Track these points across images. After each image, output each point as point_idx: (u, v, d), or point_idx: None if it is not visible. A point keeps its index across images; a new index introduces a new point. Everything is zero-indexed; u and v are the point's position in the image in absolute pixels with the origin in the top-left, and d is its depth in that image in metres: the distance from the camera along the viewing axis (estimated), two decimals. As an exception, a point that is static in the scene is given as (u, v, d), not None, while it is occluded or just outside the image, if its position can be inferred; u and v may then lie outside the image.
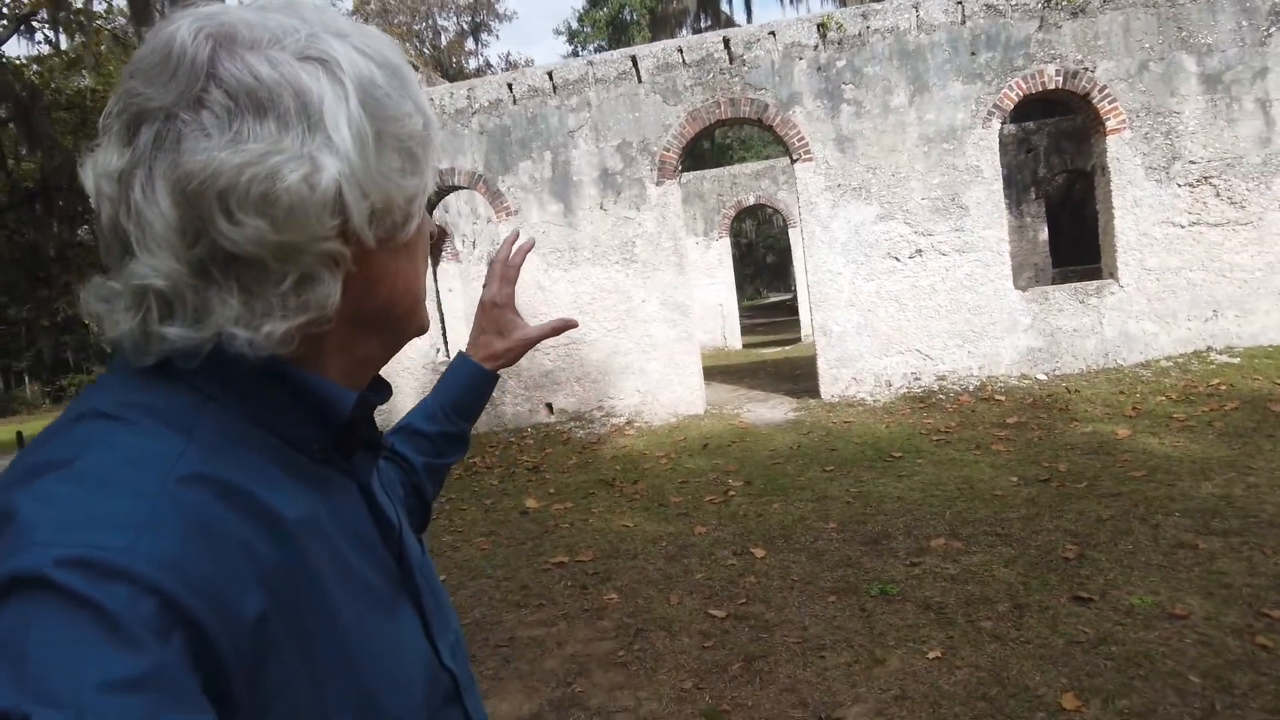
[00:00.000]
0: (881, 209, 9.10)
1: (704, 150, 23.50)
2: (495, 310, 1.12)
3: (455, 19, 32.32)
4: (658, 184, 9.52)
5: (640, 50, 9.64)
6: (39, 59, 13.06)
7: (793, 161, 9.37)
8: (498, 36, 53.03)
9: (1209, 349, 8.73)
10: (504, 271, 1.13)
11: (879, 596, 4.07)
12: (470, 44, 32.70)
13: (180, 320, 0.58)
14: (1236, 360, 8.43)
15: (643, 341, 9.69)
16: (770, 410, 9.49)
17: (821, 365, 9.37)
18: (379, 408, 0.74)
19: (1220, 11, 8.56)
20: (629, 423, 9.59)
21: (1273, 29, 8.50)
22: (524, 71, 9.98)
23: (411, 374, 10.27)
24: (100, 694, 0.44)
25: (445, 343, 13.61)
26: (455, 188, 10.38)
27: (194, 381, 0.60)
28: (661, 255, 9.58)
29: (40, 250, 12.74)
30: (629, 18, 18.68)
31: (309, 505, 0.63)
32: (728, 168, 17.78)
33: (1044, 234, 16.34)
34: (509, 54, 34.13)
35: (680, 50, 9.37)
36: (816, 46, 9.10)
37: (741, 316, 21.28)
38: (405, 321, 0.71)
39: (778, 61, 9.17)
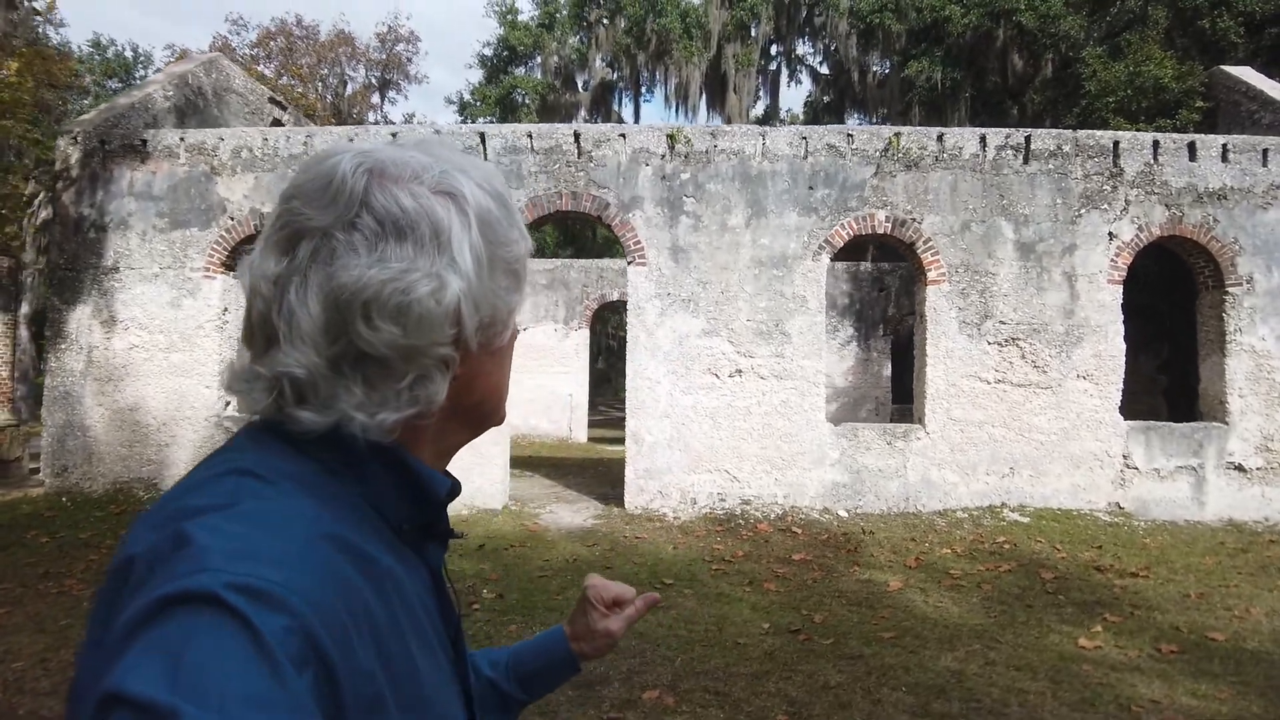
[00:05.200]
0: (708, 324, 8.99)
1: (587, 240, 23.57)
2: (594, 613, 1.12)
3: (365, 72, 31.99)
4: (488, 264, 9.15)
5: (489, 129, 9.43)
6: None
7: (629, 264, 9.22)
8: (405, 96, 52.65)
9: (1003, 505, 8.86)
10: (630, 615, 1.13)
11: (552, 759, 3.56)
12: (376, 99, 32.33)
13: (311, 405, 0.67)
14: (1026, 520, 8.56)
15: (449, 425, 9.11)
16: (573, 514, 9.01)
17: (629, 474, 9.01)
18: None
19: (1039, 187, 9.06)
20: (420, 510, 8.90)
21: (1084, 210, 9.04)
22: (367, 130, 9.60)
23: (192, 425, 9.33)
24: (243, 706, 0.49)
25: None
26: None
27: (319, 454, 0.68)
28: (481, 338, 9.13)
29: None
30: (520, 99, 18.78)
31: (403, 574, 0.70)
32: (596, 260, 17.74)
33: (888, 370, 16.86)
34: (414, 115, 33.81)
35: (530, 135, 9.20)
36: (664, 156, 9.10)
37: (596, 410, 20.99)
38: (491, 415, 0.81)
39: (624, 164, 9.10)
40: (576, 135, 9.18)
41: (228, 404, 9.90)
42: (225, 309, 9.58)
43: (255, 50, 27.64)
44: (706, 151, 9.09)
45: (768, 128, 9.11)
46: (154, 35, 58.72)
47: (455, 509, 8.81)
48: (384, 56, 31.03)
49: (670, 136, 9.10)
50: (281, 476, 0.65)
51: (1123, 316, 9.04)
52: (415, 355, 0.67)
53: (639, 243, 9.05)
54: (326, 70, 29.85)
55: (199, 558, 0.55)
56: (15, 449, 12.13)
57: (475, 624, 5.39)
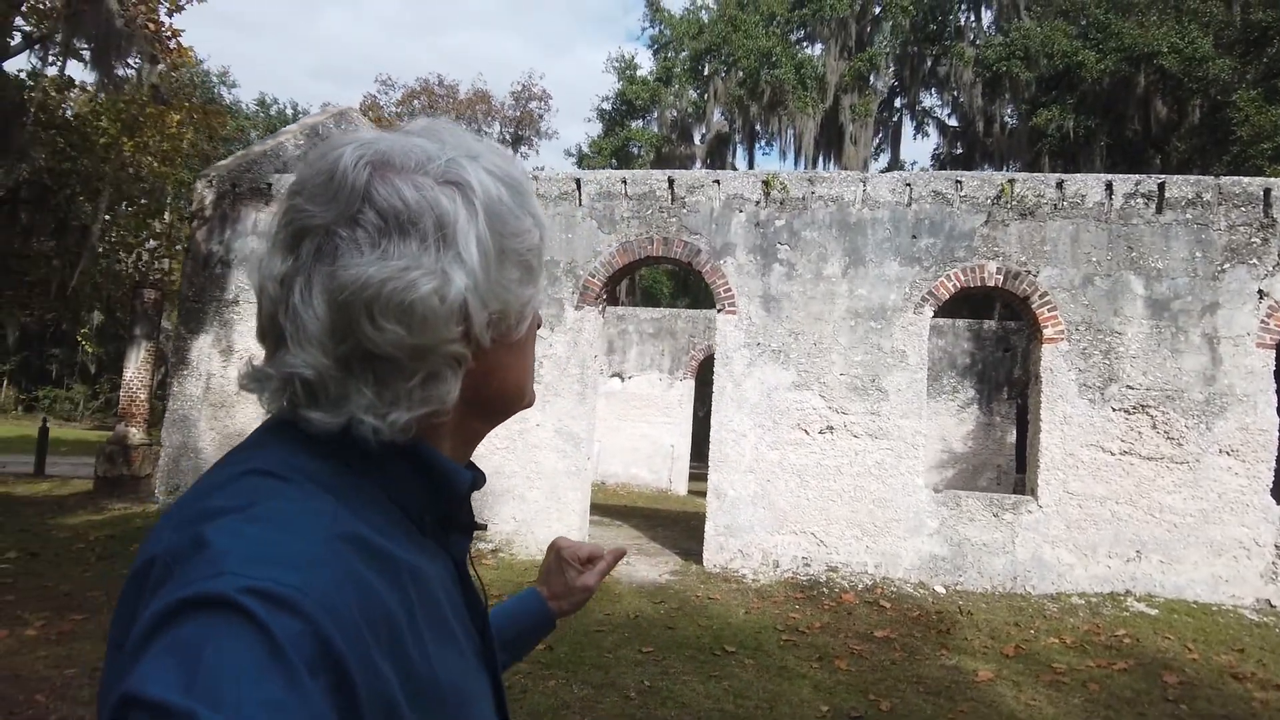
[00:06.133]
0: (798, 377, 8.57)
1: (702, 291, 23.45)
2: (571, 571, 1.22)
3: (500, 128, 33.52)
4: (577, 308, 9.12)
5: (585, 174, 9.48)
6: (34, 75, 13.29)
7: (718, 312, 8.97)
8: (537, 151, 54.89)
9: (1128, 592, 7.88)
10: (604, 568, 1.25)
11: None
12: (509, 153, 33.75)
13: (322, 406, 0.66)
14: (1154, 612, 7.57)
15: (529, 467, 9.05)
16: (650, 568, 8.69)
17: (709, 530, 8.62)
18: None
19: (1174, 239, 8.20)
20: (496, 550, 8.83)
21: (1228, 265, 8.10)
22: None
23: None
24: (258, 710, 0.48)
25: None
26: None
27: (336, 450, 0.67)
28: (566, 381, 9.06)
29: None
30: (635, 151, 19.03)
31: (425, 567, 0.69)
32: (703, 310, 17.53)
33: (1012, 436, 15.68)
34: (544, 168, 35.05)
35: (624, 181, 9.18)
36: (759, 202, 8.85)
37: (702, 462, 20.55)
38: (514, 405, 0.80)
39: (717, 209, 8.92)
40: (670, 181, 9.08)
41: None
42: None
43: (400, 108, 29.50)
44: (803, 198, 8.78)
45: (868, 174, 8.72)
46: (318, 96, 64.39)
47: (535, 550, 8.70)
48: (518, 114, 32.45)
49: (765, 183, 8.86)
50: (300, 475, 0.65)
51: (1276, 385, 7.98)
52: (423, 354, 0.66)
53: (729, 290, 8.80)
54: (465, 126, 31.45)
55: (216, 561, 0.55)
56: (146, 467, 13.01)
57: (515, 675, 5.16)
